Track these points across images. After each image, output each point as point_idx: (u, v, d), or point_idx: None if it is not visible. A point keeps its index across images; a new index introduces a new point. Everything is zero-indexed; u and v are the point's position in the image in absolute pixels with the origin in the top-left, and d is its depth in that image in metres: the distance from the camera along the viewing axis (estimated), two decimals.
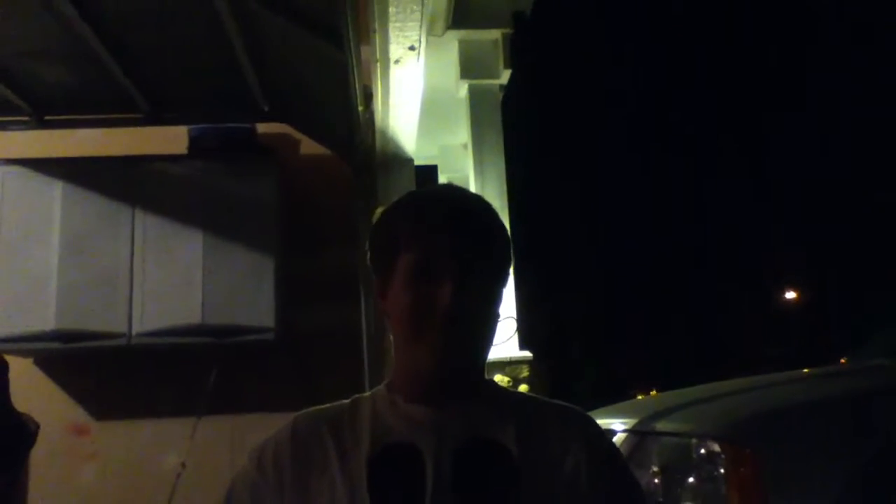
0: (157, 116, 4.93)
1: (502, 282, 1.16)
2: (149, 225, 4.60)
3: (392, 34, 3.88)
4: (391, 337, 1.18)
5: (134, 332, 4.47)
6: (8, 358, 2.18)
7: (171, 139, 4.94)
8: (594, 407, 2.83)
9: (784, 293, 21.06)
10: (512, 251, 1.19)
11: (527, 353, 4.97)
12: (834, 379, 2.78)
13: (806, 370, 3.10)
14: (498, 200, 5.47)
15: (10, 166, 4.67)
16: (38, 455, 3.35)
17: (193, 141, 4.93)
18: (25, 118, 4.89)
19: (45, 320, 4.44)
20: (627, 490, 1.17)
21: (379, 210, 1.23)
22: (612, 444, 1.28)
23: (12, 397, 2.80)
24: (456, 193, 1.21)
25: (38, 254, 4.53)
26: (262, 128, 5.04)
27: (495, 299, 1.15)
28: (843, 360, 3.29)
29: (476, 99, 6.16)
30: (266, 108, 4.97)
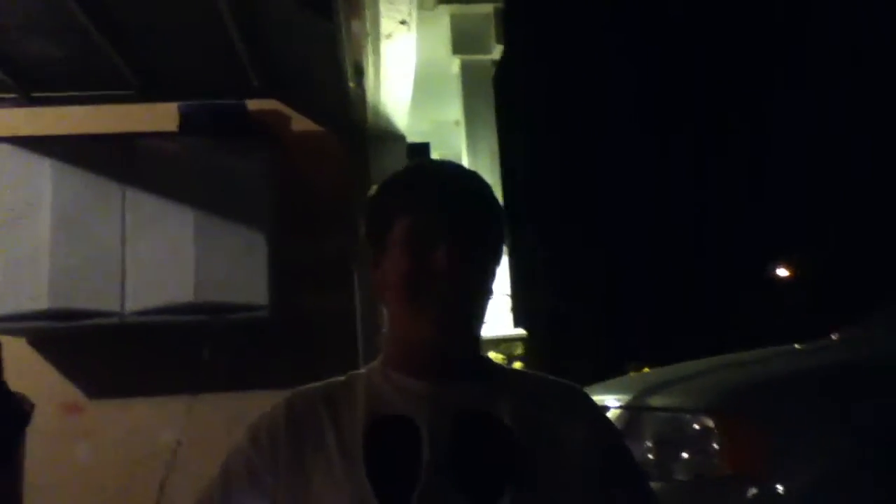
0: (147, 93, 4.90)
1: (497, 258, 1.16)
2: (140, 203, 4.58)
3: (383, 8, 3.84)
4: (385, 311, 1.17)
5: (127, 311, 4.46)
6: (2, 338, 2.18)
7: (161, 116, 4.91)
8: (589, 383, 2.84)
9: (778, 269, 21.17)
10: (506, 229, 1.19)
11: (521, 331, 4.99)
12: (825, 352, 2.80)
13: (798, 344, 3.12)
14: (491, 177, 5.46)
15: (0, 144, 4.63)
16: (34, 434, 3.36)
17: (184, 118, 4.90)
18: (13, 95, 4.84)
19: (38, 300, 4.42)
20: (624, 462, 1.18)
21: (374, 187, 1.23)
22: (608, 419, 1.29)
23: (6, 377, 2.80)
24: (451, 167, 1.22)
25: (30, 233, 4.51)
26: (253, 104, 5.01)
27: (490, 275, 1.15)
28: (834, 335, 3.31)
29: (468, 74, 6.13)
30: (257, 85, 4.93)
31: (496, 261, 1.16)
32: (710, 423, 2.06)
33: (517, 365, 4.60)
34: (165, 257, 4.51)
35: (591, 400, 1.22)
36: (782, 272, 21.22)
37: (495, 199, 1.18)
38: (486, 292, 1.14)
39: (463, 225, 1.11)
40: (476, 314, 1.14)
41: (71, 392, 4.75)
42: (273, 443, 1.12)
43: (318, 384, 1.19)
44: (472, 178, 1.19)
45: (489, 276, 1.15)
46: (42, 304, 4.43)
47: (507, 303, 5.10)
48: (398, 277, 1.11)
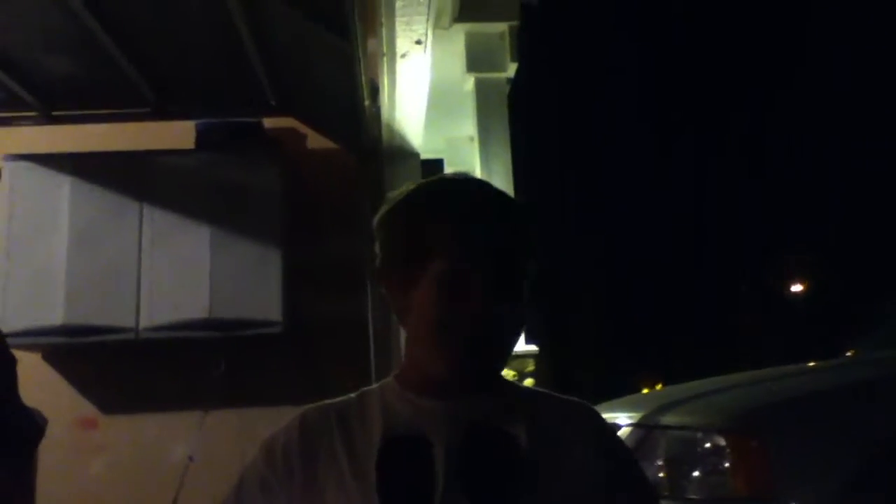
0: (164, 110, 4.95)
1: (529, 280, 1.14)
2: (156, 219, 4.62)
3: (399, 28, 3.87)
4: (405, 331, 1.16)
5: (141, 327, 4.48)
6: (16, 353, 2.20)
7: (178, 133, 4.96)
8: (600, 401, 2.83)
9: (791, 285, 21.01)
10: (534, 249, 1.15)
11: (532, 347, 4.97)
12: (839, 371, 2.78)
13: (812, 363, 3.10)
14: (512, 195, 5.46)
15: (18, 161, 4.69)
16: (47, 449, 3.38)
17: (201, 135, 4.95)
18: (33, 113, 4.91)
19: (54, 315, 4.46)
20: (636, 483, 1.18)
21: (391, 198, 1.16)
22: (620, 439, 1.29)
23: (21, 392, 2.82)
24: (482, 189, 1.16)
25: (47, 248, 4.55)
26: (268, 122, 5.05)
27: (524, 301, 1.13)
28: (849, 353, 3.29)
29: (482, 92, 6.15)
30: (273, 102, 4.98)
31: (528, 282, 1.13)
32: (723, 443, 2.05)
33: (528, 382, 4.58)
34: (181, 273, 4.54)
35: (602, 419, 1.22)
36: (797, 288, 21.07)
37: (531, 224, 1.14)
38: (521, 324, 1.13)
39: (503, 267, 1.08)
40: (508, 350, 1.13)
41: (85, 407, 4.77)
42: (287, 460, 1.11)
43: (331, 401, 1.18)
44: (507, 203, 1.14)
45: (523, 300, 1.12)
46: (57, 319, 4.46)
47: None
48: (431, 317, 1.08)
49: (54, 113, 4.94)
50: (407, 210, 1.14)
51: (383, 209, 1.17)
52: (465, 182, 1.18)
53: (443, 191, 1.16)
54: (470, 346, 1.07)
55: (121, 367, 4.73)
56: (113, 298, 4.50)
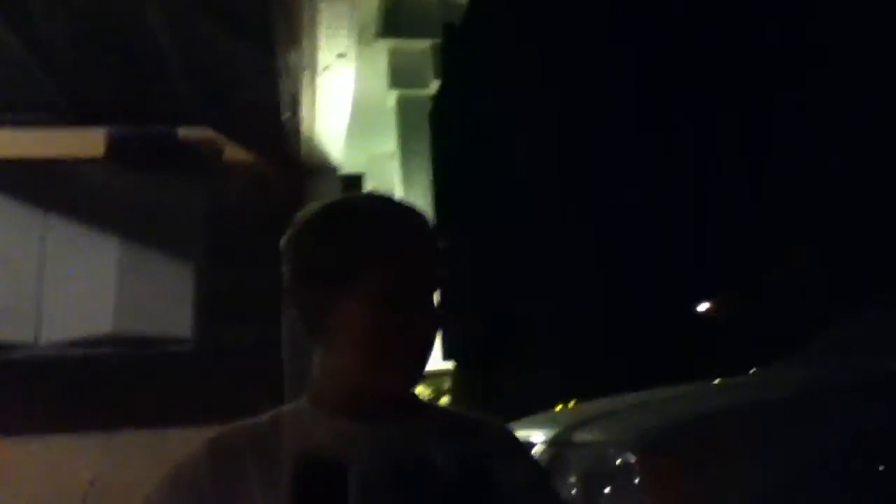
0: (75, 117, 4.78)
1: (440, 295, 1.16)
2: (62, 231, 4.45)
3: (322, 40, 3.86)
4: (321, 350, 1.14)
5: (42, 342, 4.29)
6: None
7: (89, 143, 4.79)
8: (515, 418, 2.86)
9: (700, 303, 21.74)
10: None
11: (449, 364, 4.99)
12: (743, 390, 2.88)
13: (718, 380, 3.21)
14: (425, 208, 5.48)
15: None
16: None
17: (112, 143, 4.78)
18: None
19: None
20: (549, 500, 1.20)
21: (302, 218, 1.16)
22: (533, 459, 1.31)
23: None
24: (402, 211, 1.16)
25: None
26: (185, 132, 4.93)
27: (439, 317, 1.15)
28: (752, 371, 3.42)
29: (405, 108, 6.19)
30: (191, 112, 4.87)
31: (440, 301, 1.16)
32: (633, 460, 2.10)
33: (443, 400, 4.59)
34: (85, 288, 4.37)
35: (516, 439, 1.23)
36: (713, 307, 21.81)
37: (437, 237, 1.17)
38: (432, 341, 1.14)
39: (428, 280, 1.11)
40: (425, 367, 1.14)
41: None
42: (195, 488, 1.07)
43: (241, 424, 1.15)
44: (421, 220, 1.16)
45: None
46: None
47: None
48: (363, 332, 1.08)
49: None
50: (327, 229, 1.13)
51: (294, 228, 1.17)
52: (381, 200, 1.19)
53: (361, 209, 1.16)
54: (412, 363, 1.09)
55: (20, 385, 4.50)
56: (11, 312, 4.30)
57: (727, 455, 2.09)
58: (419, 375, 1.12)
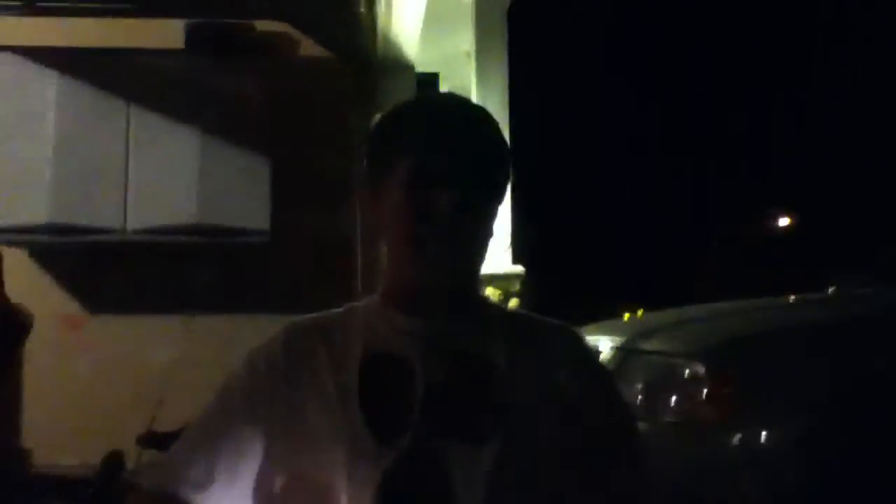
0: (152, 7, 4.80)
1: (499, 198, 1.15)
2: (145, 120, 4.54)
3: None
4: (384, 246, 1.16)
5: (128, 229, 4.46)
6: (2, 248, 2.18)
7: (168, 33, 4.82)
8: (584, 322, 2.87)
9: (778, 218, 21.13)
10: (511, 168, 1.18)
11: (519, 268, 5.00)
12: (818, 306, 2.82)
13: (792, 296, 3.14)
14: (500, 111, 5.39)
15: (2, 53, 4.55)
16: (33, 346, 3.41)
17: (190, 35, 4.81)
18: (16, 3, 4.75)
19: (39, 212, 4.43)
20: (616, 407, 1.19)
21: (377, 116, 1.20)
22: (601, 364, 1.31)
23: (7, 287, 2.82)
24: (458, 103, 1.19)
25: (32, 144, 4.48)
26: (260, 25, 4.92)
27: (491, 216, 1.14)
28: (830, 289, 3.32)
29: (482, 5, 6.00)
30: (265, 5, 4.84)
31: (498, 201, 1.15)
32: (701, 370, 2.09)
33: (513, 302, 4.62)
34: (169, 177, 4.49)
35: (584, 343, 1.23)
36: (783, 221, 21.20)
37: (500, 137, 1.16)
38: (486, 234, 1.13)
39: (465, 167, 1.09)
40: (475, 256, 1.13)
41: (71, 306, 4.79)
42: (270, 372, 1.12)
43: (315, 315, 1.19)
44: (475, 114, 1.16)
45: (490, 217, 1.14)
46: (42, 217, 4.43)
47: (506, 239, 5.11)
48: (397, 219, 1.10)
49: (38, 4, 4.78)
50: (383, 121, 1.17)
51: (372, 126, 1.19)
52: (443, 95, 1.26)
53: (414, 103, 1.22)
54: (439, 247, 1.08)
55: (108, 268, 4.72)
56: (99, 198, 4.46)
57: (795, 374, 2.06)
58: (459, 262, 1.12)
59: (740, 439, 2.00)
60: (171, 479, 1.12)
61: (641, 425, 1.36)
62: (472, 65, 5.92)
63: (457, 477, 1.03)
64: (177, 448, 1.16)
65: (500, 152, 1.15)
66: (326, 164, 4.79)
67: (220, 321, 4.60)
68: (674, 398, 2.12)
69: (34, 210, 4.43)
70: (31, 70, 4.54)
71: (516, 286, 4.85)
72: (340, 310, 1.19)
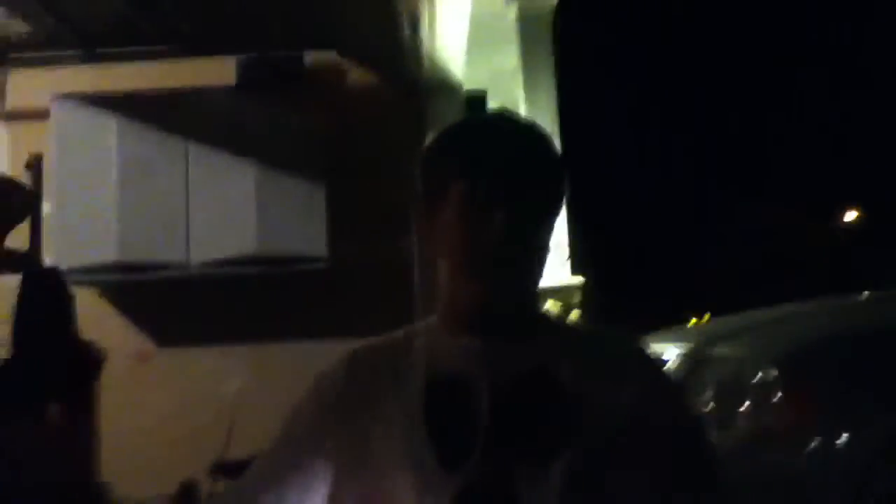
0: (205, 47, 4.93)
1: (555, 213, 1.13)
2: (203, 157, 4.65)
3: None
4: (439, 267, 1.15)
5: (192, 263, 4.57)
6: (74, 289, 2.25)
7: (220, 70, 4.94)
8: (648, 332, 2.81)
9: (844, 214, 20.51)
10: (566, 183, 1.16)
11: (578, 279, 4.96)
12: (890, 305, 2.70)
13: (865, 294, 3.03)
14: (550, 124, 5.38)
15: (66, 101, 4.73)
16: (106, 383, 3.50)
17: (242, 71, 4.92)
18: (76, 52, 4.93)
19: (107, 252, 4.56)
20: (688, 425, 1.16)
21: (428, 138, 1.20)
22: (671, 379, 1.28)
23: (80, 327, 2.91)
24: (507, 120, 1.18)
25: (97, 188, 4.63)
26: (309, 56, 5.01)
27: (547, 230, 1.13)
28: None
29: (526, 21, 6.00)
30: (313, 36, 4.92)
31: (554, 215, 1.13)
32: (774, 375, 2.03)
33: (574, 314, 4.58)
34: (228, 210, 4.59)
35: (649, 357, 1.20)
36: (851, 217, 20.57)
37: (552, 151, 1.15)
38: (543, 251, 1.12)
39: (519, 187, 1.08)
40: (532, 275, 1.12)
41: (141, 341, 4.91)
42: (336, 401, 1.13)
43: (377, 339, 1.19)
44: (529, 132, 1.15)
45: (547, 233, 1.12)
46: (110, 256, 4.57)
47: (564, 251, 5.07)
48: (452, 241, 1.09)
49: (98, 51, 4.96)
50: (436, 142, 1.16)
51: (424, 146, 1.19)
52: (493, 114, 1.22)
53: (465, 123, 1.20)
54: (495, 268, 1.07)
55: (174, 302, 4.84)
56: (164, 236, 4.58)
57: (875, 378, 1.98)
58: (515, 283, 1.10)
59: (816, 447, 1.93)
60: None
61: (714, 434, 1.32)
62: (519, 80, 5.93)
63: (526, 502, 1.00)
64: (247, 478, 1.17)
65: (553, 166, 1.14)
66: (381, 188, 4.83)
67: (285, 350, 4.66)
68: (746, 405, 2.06)
69: (103, 250, 4.57)
70: (93, 115, 4.70)
71: (576, 298, 4.81)
72: (400, 333, 1.19)
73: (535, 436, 1.03)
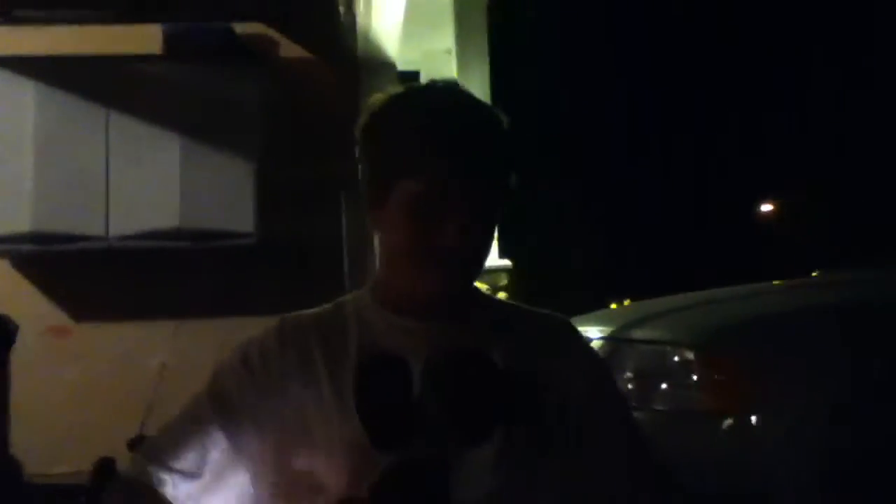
0: (131, 13, 4.77)
1: (507, 202, 1.11)
2: (125, 127, 4.51)
3: None
4: (379, 245, 1.13)
5: (112, 235, 4.44)
6: None
7: (147, 39, 4.80)
8: (570, 314, 2.87)
9: (761, 205, 21.26)
10: (516, 171, 1.11)
11: (506, 262, 5.01)
12: (802, 291, 2.82)
13: (777, 282, 3.16)
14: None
15: None
16: (19, 357, 3.38)
17: (170, 41, 4.79)
18: None
19: (21, 222, 4.40)
20: (612, 396, 1.19)
21: (367, 107, 1.10)
22: (596, 353, 1.30)
23: None
24: (461, 102, 1.10)
25: (12, 154, 4.45)
26: (241, 28, 4.90)
27: (496, 225, 1.11)
28: (814, 274, 3.34)
29: (461, 2, 5.99)
30: (244, 7, 4.81)
31: (503, 207, 1.11)
32: (691, 357, 2.10)
33: (501, 296, 4.63)
34: (151, 182, 4.47)
35: (580, 334, 1.22)
36: (768, 209, 21.33)
37: (509, 140, 1.09)
38: (491, 242, 1.10)
39: (476, 192, 1.04)
40: (479, 268, 1.11)
41: (57, 315, 4.76)
42: (265, 366, 1.10)
43: (308, 311, 1.17)
44: (483, 114, 1.08)
45: (494, 230, 1.10)
46: (25, 226, 4.40)
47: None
48: (400, 238, 1.06)
49: (16, 13, 4.74)
50: (382, 123, 1.09)
51: (363, 115, 1.12)
52: (443, 90, 1.12)
53: (416, 99, 1.11)
54: (445, 269, 1.06)
55: (93, 275, 4.69)
56: (82, 206, 4.44)
57: (788, 360, 2.06)
58: (462, 279, 1.10)
59: (733, 427, 2.00)
60: (157, 465, 1.07)
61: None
62: (454, 62, 5.92)
63: (457, 480, 1.00)
64: (165, 435, 1.11)
65: (509, 156, 1.10)
66: (311, 162, 4.78)
67: (208, 325, 4.57)
68: (665, 386, 2.13)
69: (17, 219, 4.40)
70: (9, 79, 4.51)
71: (504, 280, 4.86)
72: (330, 305, 1.18)
73: (467, 415, 1.02)
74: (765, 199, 20.95)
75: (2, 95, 4.51)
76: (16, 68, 4.53)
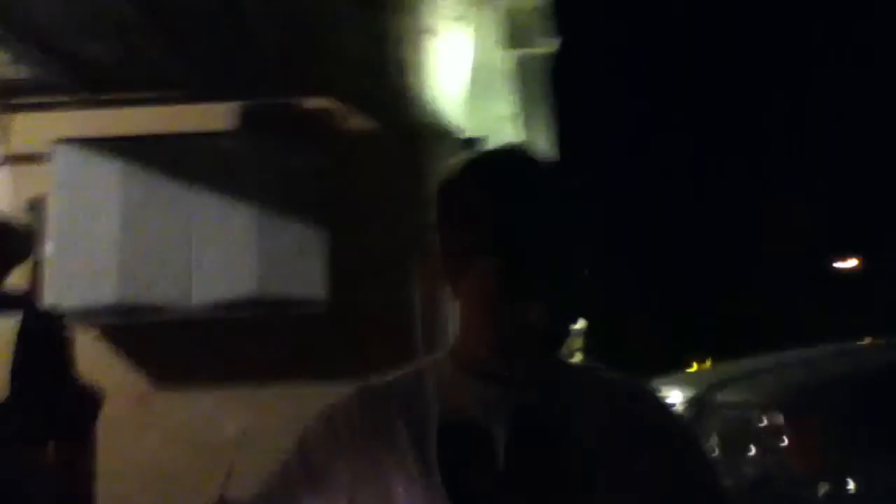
0: (206, 93, 4.99)
1: (584, 266, 1.09)
2: (203, 200, 4.68)
3: (439, 2, 3.85)
4: (457, 311, 1.12)
5: (193, 304, 4.57)
6: (74, 330, 2.24)
7: (220, 116, 5.00)
8: (650, 374, 2.80)
9: (841, 260, 20.58)
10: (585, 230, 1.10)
11: (581, 324, 4.94)
12: (888, 351, 2.70)
13: (865, 340, 3.04)
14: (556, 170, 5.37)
15: (68, 145, 4.77)
16: (104, 424, 3.46)
17: (242, 117, 4.99)
18: (79, 97, 4.98)
19: (107, 294, 4.56)
20: (702, 465, 1.15)
21: (443, 176, 1.11)
22: (679, 420, 1.26)
23: (78, 367, 2.90)
24: (534, 173, 1.08)
25: (99, 230, 4.64)
26: (307, 102, 5.07)
27: (580, 295, 1.09)
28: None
29: (523, 68, 6.08)
30: (313, 83, 4.98)
31: (583, 272, 1.09)
32: (780, 420, 2.02)
33: (577, 358, 4.56)
34: (228, 254, 4.60)
35: (661, 400, 1.19)
36: (846, 266, 20.64)
37: (581, 207, 1.08)
38: (574, 318, 1.12)
39: (557, 268, 1.04)
40: (564, 340, 1.09)
41: (139, 383, 4.88)
42: (351, 434, 1.10)
43: (386, 378, 1.17)
44: (558, 188, 1.07)
45: (580, 298, 1.09)
46: (111, 298, 4.56)
47: None
48: (484, 312, 1.05)
49: (99, 96, 5.01)
50: (459, 190, 1.09)
51: (441, 178, 1.13)
52: (517, 160, 1.11)
53: (492, 171, 1.09)
54: (529, 344, 1.05)
55: (173, 343, 4.81)
56: (164, 278, 4.58)
57: (880, 420, 1.97)
58: (547, 351, 1.09)
59: (827, 492, 1.90)
60: None
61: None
62: (517, 127, 5.99)
63: None
64: (255, 499, 1.15)
65: (581, 219, 1.08)
66: (380, 232, 4.85)
67: (284, 391, 4.63)
68: (752, 451, 2.04)
69: (102, 292, 4.56)
70: (96, 159, 4.73)
71: (579, 342, 4.79)
72: (410, 371, 1.17)
73: (550, 487, 1.00)
74: (847, 254, 20.29)
75: (90, 175, 4.73)
76: (100, 148, 4.76)
